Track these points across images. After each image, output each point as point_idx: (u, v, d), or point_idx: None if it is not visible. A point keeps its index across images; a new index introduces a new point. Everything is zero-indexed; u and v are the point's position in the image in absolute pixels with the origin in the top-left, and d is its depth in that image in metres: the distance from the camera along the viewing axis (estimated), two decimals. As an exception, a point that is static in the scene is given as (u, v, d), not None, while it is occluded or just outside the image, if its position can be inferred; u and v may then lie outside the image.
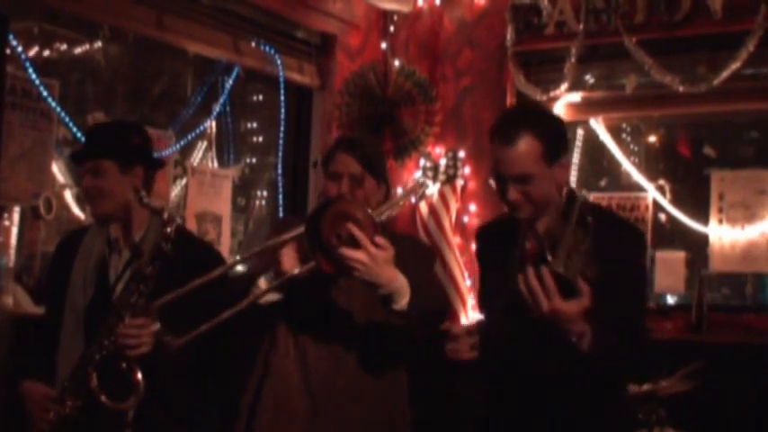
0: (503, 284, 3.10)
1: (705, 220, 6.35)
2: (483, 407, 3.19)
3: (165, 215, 3.53)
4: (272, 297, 3.31)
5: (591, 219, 2.94)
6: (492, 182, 3.11)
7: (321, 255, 3.10)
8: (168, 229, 3.48)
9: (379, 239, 3.09)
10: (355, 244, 3.05)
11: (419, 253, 3.56)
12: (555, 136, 3.10)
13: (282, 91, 6.38)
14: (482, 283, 3.35)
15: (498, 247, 3.22)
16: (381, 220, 3.27)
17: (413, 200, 6.75)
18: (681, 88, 6.13)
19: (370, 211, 3.15)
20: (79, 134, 5.27)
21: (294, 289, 3.32)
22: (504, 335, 3.09)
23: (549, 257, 2.88)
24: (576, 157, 6.89)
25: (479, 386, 3.25)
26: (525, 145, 3.00)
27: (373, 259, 3.06)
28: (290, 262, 3.24)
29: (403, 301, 3.17)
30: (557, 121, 3.22)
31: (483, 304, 3.33)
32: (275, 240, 3.28)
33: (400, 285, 3.16)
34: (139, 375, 3.40)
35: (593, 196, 6.72)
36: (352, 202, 3.18)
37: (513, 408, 3.13)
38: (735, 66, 5.96)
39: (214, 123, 6.53)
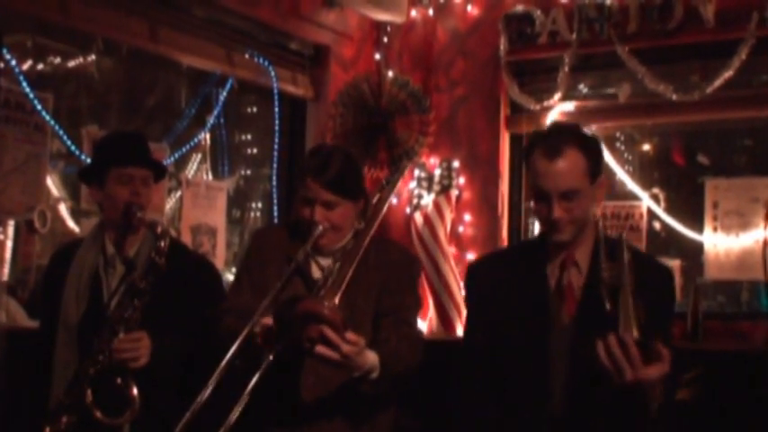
0: (523, 320, 3.04)
1: (700, 229, 6.35)
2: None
3: (159, 229, 3.53)
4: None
5: (628, 257, 2.84)
6: (532, 202, 3.04)
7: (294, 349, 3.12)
8: (162, 243, 3.49)
9: (350, 336, 3.04)
10: (328, 341, 3.02)
11: (402, 275, 3.51)
12: (597, 152, 3.07)
13: (276, 102, 6.38)
14: (482, 319, 3.21)
15: (501, 283, 3.14)
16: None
17: (408, 211, 6.75)
18: (674, 97, 6.15)
19: (335, 310, 3.06)
20: (73, 147, 5.27)
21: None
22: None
23: (609, 305, 2.80)
24: (569, 167, 6.89)
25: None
26: (572, 158, 2.97)
27: (346, 357, 3.03)
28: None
29: (373, 375, 3.18)
30: (597, 138, 3.16)
31: (484, 341, 3.18)
32: (256, 317, 3.21)
33: (371, 366, 3.16)
34: (135, 390, 3.40)
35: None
36: (317, 302, 3.10)
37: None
38: (728, 74, 5.98)
39: (208, 135, 6.52)
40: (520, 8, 6.67)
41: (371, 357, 3.16)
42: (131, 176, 3.69)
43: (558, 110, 6.67)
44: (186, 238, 5.79)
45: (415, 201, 6.73)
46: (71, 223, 5.68)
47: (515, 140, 6.95)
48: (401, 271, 3.51)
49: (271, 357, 3.17)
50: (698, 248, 6.40)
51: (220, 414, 3.14)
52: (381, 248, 3.51)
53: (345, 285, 3.13)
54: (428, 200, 6.67)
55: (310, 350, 3.03)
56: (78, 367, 3.49)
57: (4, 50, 4.78)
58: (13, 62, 4.89)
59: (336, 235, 3.43)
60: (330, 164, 3.40)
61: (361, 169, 3.62)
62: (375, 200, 3.52)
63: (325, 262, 3.44)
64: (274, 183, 6.50)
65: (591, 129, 6.64)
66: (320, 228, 3.35)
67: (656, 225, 6.69)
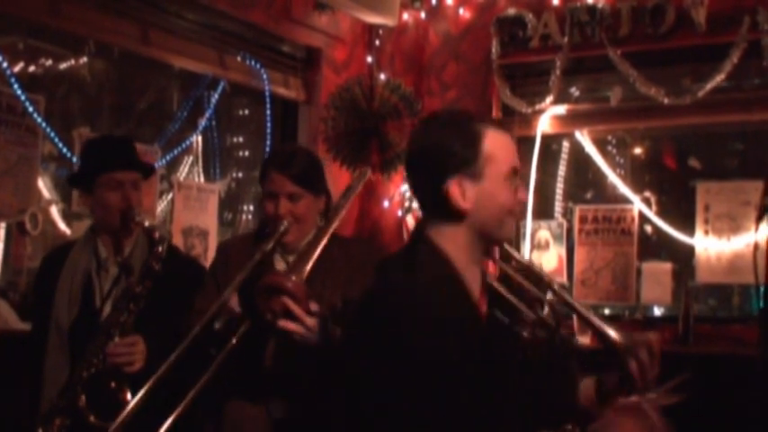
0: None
1: (691, 232, 6.36)
2: None
3: (157, 234, 3.54)
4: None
5: None
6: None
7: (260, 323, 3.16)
8: (160, 249, 3.49)
9: (314, 306, 3.12)
10: (291, 315, 3.08)
11: (367, 267, 3.45)
12: None
13: (268, 105, 6.37)
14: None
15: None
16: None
17: (400, 213, 6.75)
18: (666, 100, 6.16)
19: (300, 283, 3.15)
20: (65, 150, 5.26)
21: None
22: None
23: None
24: (561, 170, 6.91)
25: None
26: None
27: (310, 330, 3.09)
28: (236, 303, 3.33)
29: None
30: None
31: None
32: (222, 299, 3.30)
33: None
34: (129, 395, 3.39)
35: (579, 208, 6.74)
36: (281, 275, 3.19)
37: None
38: (719, 78, 5.99)
39: (200, 138, 6.52)
40: (512, 11, 6.68)
41: (336, 333, 3.20)
42: (120, 182, 3.69)
43: (550, 113, 6.68)
44: (178, 241, 5.77)
45: (406, 204, 6.73)
46: (62, 226, 5.67)
47: (507, 144, 6.95)
48: (366, 264, 3.52)
49: (234, 341, 3.25)
50: (689, 252, 6.41)
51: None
52: (345, 244, 3.60)
53: (312, 264, 3.22)
54: (420, 203, 6.66)
55: (273, 323, 3.10)
56: (73, 370, 3.48)
57: (-4, 53, 4.78)
58: (5, 64, 4.88)
59: (300, 230, 3.48)
60: (293, 158, 3.53)
61: (323, 168, 3.67)
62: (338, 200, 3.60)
63: (291, 258, 3.47)
64: (266, 185, 6.49)
65: (582, 132, 6.73)
66: (285, 223, 3.42)
67: (648, 228, 6.71)
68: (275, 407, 3.40)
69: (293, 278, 3.14)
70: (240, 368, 3.38)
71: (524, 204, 2.83)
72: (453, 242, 2.50)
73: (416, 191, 2.60)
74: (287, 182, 3.44)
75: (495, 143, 2.52)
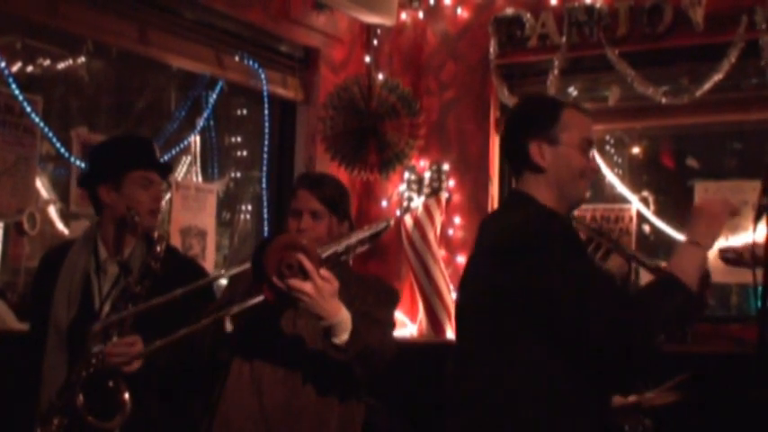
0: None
1: (689, 231, 6.34)
2: None
3: (156, 234, 3.55)
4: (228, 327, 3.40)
5: None
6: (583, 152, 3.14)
7: (267, 285, 3.18)
8: (158, 248, 3.50)
9: (324, 272, 3.18)
10: (302, 276, 3.13)
11: (381, 293, 3.65)
12: None
13: (266, 105, 6.38)
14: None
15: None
16: (343, 260, 3.43)
17: (398, 213, 6.75)
18: (663, 100, 6.17)
19: (314, 243, 3.24)
20: (63, 150, 5.26)
21: (247, 316, 3.37)
22: None
23: None
24: (560, 169, 6.90)
25: None
26: None
27: (319, 291, 3.15)
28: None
29: (343, 336, 3.25)
30: None
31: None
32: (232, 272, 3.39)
33: (342, 320, 3.24)
34: (126, 395, 3.39)
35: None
36: (298, 234, 3.30)
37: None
38: (717, 77, 5.99)
39: (198, 138, 6.51)
40: (510, 11, 6.68)
41: (344, 313, 3.26)
42: (153, 181, 3.73)
43: (548, 113, 6.67)
44: (176, 241, 5.78)
45: (405, 203, 6.73)
46: (60, 225, 5.67)
47: (505, 143, 6.95)
48: (379, 291, 3.66)
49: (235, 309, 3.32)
50: (687, 251, 6.39)
51: None
52: (362, 278, 3.70)
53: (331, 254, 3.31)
54: (418, 202, 6.67)
55: (285, 278, 3.13)
56: (71, 370, 3.48)
57: (-6, 53, 4.78)
58: (3, 64, 4.88)
59: None
60: (322, 179, 3.70)
61: (350, 198, 3.77)
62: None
63: None
64: (264, 185, 6.50)
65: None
66: (306, 238, 3.43)
67: (646, 228, 6.70)
68: (269, 397, 3.42)
69: (310, 239, 3.24)
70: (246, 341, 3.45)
71: (596, 172, 3.27)
72: (537, 191, 3.06)
73: (508, 152, 3.22)
74: (312, 199, 3.55)
75: (572, 118, 3.11)
